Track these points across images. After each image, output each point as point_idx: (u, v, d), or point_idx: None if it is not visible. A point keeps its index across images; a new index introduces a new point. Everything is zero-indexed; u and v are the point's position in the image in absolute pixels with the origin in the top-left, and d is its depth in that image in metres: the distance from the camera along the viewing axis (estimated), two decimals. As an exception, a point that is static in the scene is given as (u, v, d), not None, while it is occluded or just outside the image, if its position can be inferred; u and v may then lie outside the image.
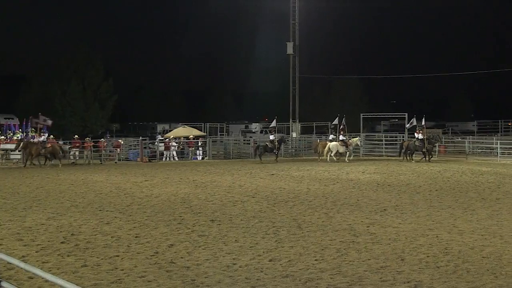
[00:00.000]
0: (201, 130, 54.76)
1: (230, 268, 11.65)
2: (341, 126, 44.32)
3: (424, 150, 41.20)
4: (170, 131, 61.11)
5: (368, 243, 13.74)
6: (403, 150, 41.92)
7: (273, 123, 47.45)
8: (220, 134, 58.85)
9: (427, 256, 12.42)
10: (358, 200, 21.28)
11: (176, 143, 48.05)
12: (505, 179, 28.37)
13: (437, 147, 44.54)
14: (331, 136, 44.35)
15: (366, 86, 79.69)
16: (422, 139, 41.34)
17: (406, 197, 21.95)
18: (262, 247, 13.40)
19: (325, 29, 78.13)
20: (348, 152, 42.67)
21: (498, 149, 43.37)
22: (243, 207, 19.71)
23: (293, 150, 53.18)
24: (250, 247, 13.48)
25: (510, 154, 43.19)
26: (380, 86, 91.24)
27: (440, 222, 16.46)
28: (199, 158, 47.75)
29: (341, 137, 43.13)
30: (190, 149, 48.41)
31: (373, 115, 58.95)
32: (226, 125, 68.39)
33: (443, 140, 45.04)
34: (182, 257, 12.52)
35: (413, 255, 12.54)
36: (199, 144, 48.96)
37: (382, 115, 59.72)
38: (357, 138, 45.04)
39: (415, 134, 42.38)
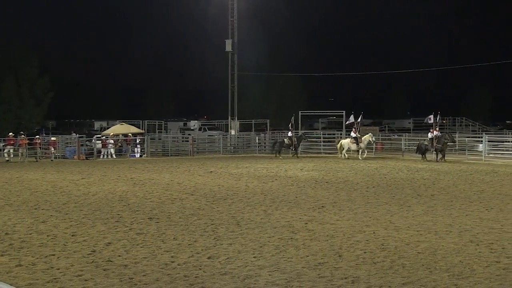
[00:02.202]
0: (139, 128, 54.36)
1: (168, 266, 11.58)
2: (355, 124, 43.52)
3: (432, 149, 39.79)
4: (107, 128, 60.46)
5: (306, 240, 13.83)
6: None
7: (292, 120, 47.26)
8: (159, 132, 58.52)
9: (364, 252, 12.57)
10: (296, 197, 21.41)
11: (114, 140, 47.54)
12: (439, 176, 28.94)
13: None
14: (351, 133, 43.59)
15: (304, 84, 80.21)
16: (431, 138, 40.01)
17: (343, 194, 22.18)
18: (201, 245, 13.37)
19: (263, 26, 78.32)
20: (361, 150, 41.85)
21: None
22: (182, 204, 19.63)
23: (232, 147, 53.19)
24: (189, 244, 13.43)
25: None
26: (318, 84, 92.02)
27: (377, 218, 16.69)
28: (137, 155, 47.37)
29: (353, 135, 42.50)
30: (128, 146, 48.00)
31: (311, 112, 59.38)
32: (165, 122, 68.08)
33: (455, 139, 41.99)
34: (119, 256, 12.40)
35: (351, 251, 12.67)
36: (137, 141, 48.60)
37: (320, 112, 60.19)
38: (369, 135, 43.20)
39: (429, 133, 40.98)
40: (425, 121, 44.68)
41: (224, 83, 60.12)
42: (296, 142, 45.03)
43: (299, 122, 54.36)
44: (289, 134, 45.67)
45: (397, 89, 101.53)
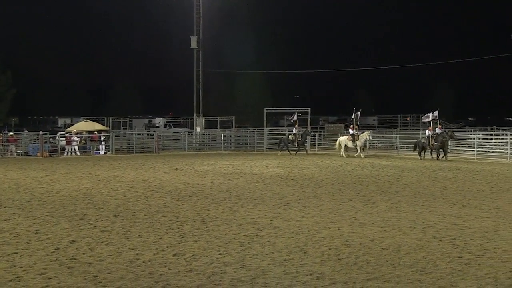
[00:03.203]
0: (103, 125, 53.94)
1: (133, 263, 11.53)
2: (355, 120, 43.44)
3: (428, 147, 38.81)
4: (71, 125, 59.93)
5: (272, 237, 13.86)
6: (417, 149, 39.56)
7: (295, 117, 46.83)
8: (123, 129, 58.14)
9: (329, 249, 12.64)
10: (261, 194, 21.44)
11: (78, 137, 47.12)
12: (403, 172, 29.20)
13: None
14: (349, 130, 42.98)
15: (270, 81, 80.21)
16: (428, 136, 39.07)
17: (309, 191, 22.26)
18: (166, 242, 13.33)
19: (229, 23, 78.19)
20: (358, 148, 41.07)
21: (398, 143, 44.61)
22: (147, 202, 19.55)
23: (197, 144, 53.08)
24: (154, 242, 13.38)
25: (408, 148, 44.29)
26: (283, 81, 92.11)
27: (341, 215, 16.78)
28: (102, 152, 47.02)
29: (350, 131, 42.08)
30: (94, 143, 47.59)
31: (277, 109, 59.44)
32: (130, 119, 67.66)
33: (454, 136, 41.06)
34: (84, 253, 12.31)
35: (316, 248, 12.73)
36: (102, 138, 48.23)
37: (285, 109, 60.29)
38: (366, 133, 42.96)
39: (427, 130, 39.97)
40: (422, 119, 44.56)
41: (189, 80, 59.96)
42: (300, 139, 44.89)
43: (265, 119, 54.27)
44: (294, 130, 45.57)
45: (361, 87, 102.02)
